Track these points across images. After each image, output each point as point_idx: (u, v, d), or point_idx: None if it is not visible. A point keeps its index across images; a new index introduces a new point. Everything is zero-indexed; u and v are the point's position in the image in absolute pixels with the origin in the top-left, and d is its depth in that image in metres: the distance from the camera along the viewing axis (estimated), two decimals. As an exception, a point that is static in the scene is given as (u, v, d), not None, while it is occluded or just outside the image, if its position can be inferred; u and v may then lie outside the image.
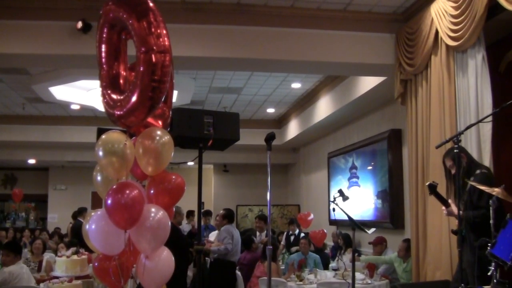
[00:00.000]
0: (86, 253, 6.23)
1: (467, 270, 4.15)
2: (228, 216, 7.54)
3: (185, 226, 10.34)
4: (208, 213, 10.35)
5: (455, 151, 4.02)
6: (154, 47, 2.89)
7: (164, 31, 2.96)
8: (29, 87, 9.25)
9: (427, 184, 4.27)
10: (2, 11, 5.96)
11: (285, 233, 10.18)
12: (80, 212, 11.11)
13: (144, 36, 2.90)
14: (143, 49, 2.89)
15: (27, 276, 5.84)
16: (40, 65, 7.89)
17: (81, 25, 5.84)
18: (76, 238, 8.34)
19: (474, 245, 4.04)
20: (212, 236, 7.96)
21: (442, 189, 4.55)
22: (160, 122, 3.29)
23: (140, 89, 2.90)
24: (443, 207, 4.38)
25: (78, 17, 5.86)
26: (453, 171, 4.37)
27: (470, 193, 4.20)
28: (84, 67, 7.13)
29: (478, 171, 4.25)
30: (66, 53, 6.14)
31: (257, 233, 8.80)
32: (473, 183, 4.05)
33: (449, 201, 4.40)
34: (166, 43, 2.95)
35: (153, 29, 2.91)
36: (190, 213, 10.69)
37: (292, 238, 9.62)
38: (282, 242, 9.70)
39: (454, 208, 4.31)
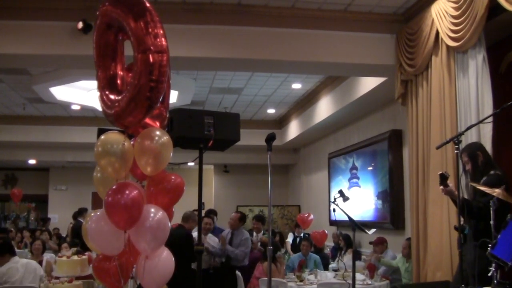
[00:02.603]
0: (88, 253, 6.22)
1: (467, 269, 4.15)
2: (244, 219, 7.47)
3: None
4: (212, 213, 8.89)
5: (456, 152, 4.02)
6: (152, 47, 2.89)
7: (161, 31, 2.96)
8: (29, 87, 9.25)
9: (439, 173, 4.19)
10: (3, 12, 5.96)
11: (291, 235, 10.27)
12: (80, 213, 11.10)
13: (142, 36, 2.90)
14: (140, 49, 2.89)
15: (23, 268, 5.74)
16: (41, 65, 7.89)
17: (81, 25, 5.84)
18: (77, 239, 8.32)
19: (475, 243, 4.04)
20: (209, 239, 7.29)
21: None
22: (157, 123, 3.29)
23: (138, 89, 2.90)
24: (441, 186, 4.21)
25: (78, 17, 5.86)
26: (467, 167, 4.37)
27: (479, 194, 4.19)
28: (84, 68, 7.13)
29: (492, 172, 4.22)
30: (66, 54, 6.14)
31: (254, 234, 8.73)
32: (474, 184, 4.06)
33: (450, 184, 4.29)
34: (164, 43, 2.95)
35: (150, 29, 2.91)
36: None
37: (298, 240, 9.69)
38: (288, 240, 9.81)
39: (454, 189, 4.23)
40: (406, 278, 6.57)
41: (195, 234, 6.52)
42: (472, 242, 4.14)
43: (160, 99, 3.04)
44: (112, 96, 3.11)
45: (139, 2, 2.97)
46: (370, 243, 7.69)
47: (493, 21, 4.92)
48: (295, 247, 9.40)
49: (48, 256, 8.08)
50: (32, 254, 7.65)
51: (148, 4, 2.98)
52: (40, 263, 7.21)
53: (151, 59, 2.88)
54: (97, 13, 3.20)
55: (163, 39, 2.95)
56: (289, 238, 10.28)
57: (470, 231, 4.19)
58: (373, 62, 6.57)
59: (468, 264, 4.12)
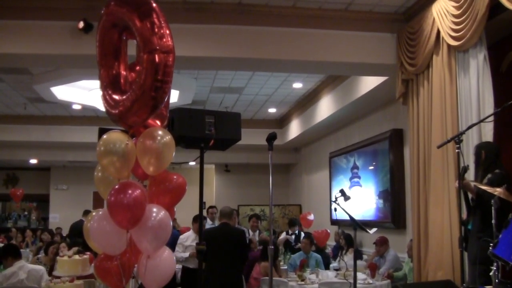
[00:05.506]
0: (88, 253, 6.21)
1: (469, 259, 4.18)
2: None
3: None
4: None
5: (457, 151, 4.03)
6: (158, 47, 2.89)
7: (168, 31, 2.96)
8: (30, 87, 9.25)
9: (462, 166, 4.16)
10: (4, 11, 5.97)
11: (285, 233, 10.19)
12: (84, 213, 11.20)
13: (148, 36, 2.90)
14: (146, 49, 2.89)
15: (25, 274, 5.75)
16: (42, 65, 7.90)
17: (82, 25, 5.84)
18: (77, 237, 8.30)
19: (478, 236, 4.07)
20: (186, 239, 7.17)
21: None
22: (158, 122, 3.30)
23: (143, 89, 2.90)
24: (456, 182, 4.24)
25: (79, 17, 5.86)
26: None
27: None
28: (85, 67, 7.13)
29: (497, 171, 4.26)
30: (67, 53, 6.14)
31: (251, 233, 8.69)
32: (476, 184, 4.06)
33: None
34: (170, 43, 2.95)
35: (156, 29, 2.91)
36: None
37: (293, 237, 9.64)
38: (282, 237, 9.74)
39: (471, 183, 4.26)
40: (411, 278, 6.57)
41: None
42: (475, 234, 4.17)
43: (165, 99, 3.05)
44: (115, 96, 3.12)
45: (145, 2, 2.98)
46: (374, 243, 7.68)
47: (494, 20, 4.92)
48: (289, 246, 9.34)
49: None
50: (45, 254, 7.67)
51: (154, 4, 2.98)
52: (52, 266, 7.18)
53: (157, 59, 2.88)
54: (102, 12, 3.19)
55: (169, 39, 2.95)
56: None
57: (474, 226, 4.23)
58: (374, 61, 6.57)
59: (471, 255, 4.15)
